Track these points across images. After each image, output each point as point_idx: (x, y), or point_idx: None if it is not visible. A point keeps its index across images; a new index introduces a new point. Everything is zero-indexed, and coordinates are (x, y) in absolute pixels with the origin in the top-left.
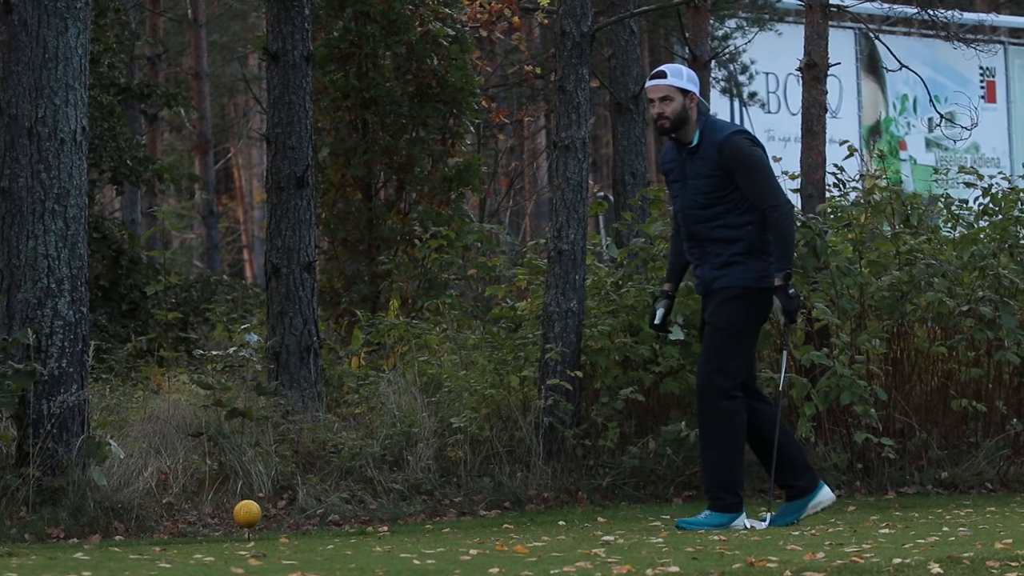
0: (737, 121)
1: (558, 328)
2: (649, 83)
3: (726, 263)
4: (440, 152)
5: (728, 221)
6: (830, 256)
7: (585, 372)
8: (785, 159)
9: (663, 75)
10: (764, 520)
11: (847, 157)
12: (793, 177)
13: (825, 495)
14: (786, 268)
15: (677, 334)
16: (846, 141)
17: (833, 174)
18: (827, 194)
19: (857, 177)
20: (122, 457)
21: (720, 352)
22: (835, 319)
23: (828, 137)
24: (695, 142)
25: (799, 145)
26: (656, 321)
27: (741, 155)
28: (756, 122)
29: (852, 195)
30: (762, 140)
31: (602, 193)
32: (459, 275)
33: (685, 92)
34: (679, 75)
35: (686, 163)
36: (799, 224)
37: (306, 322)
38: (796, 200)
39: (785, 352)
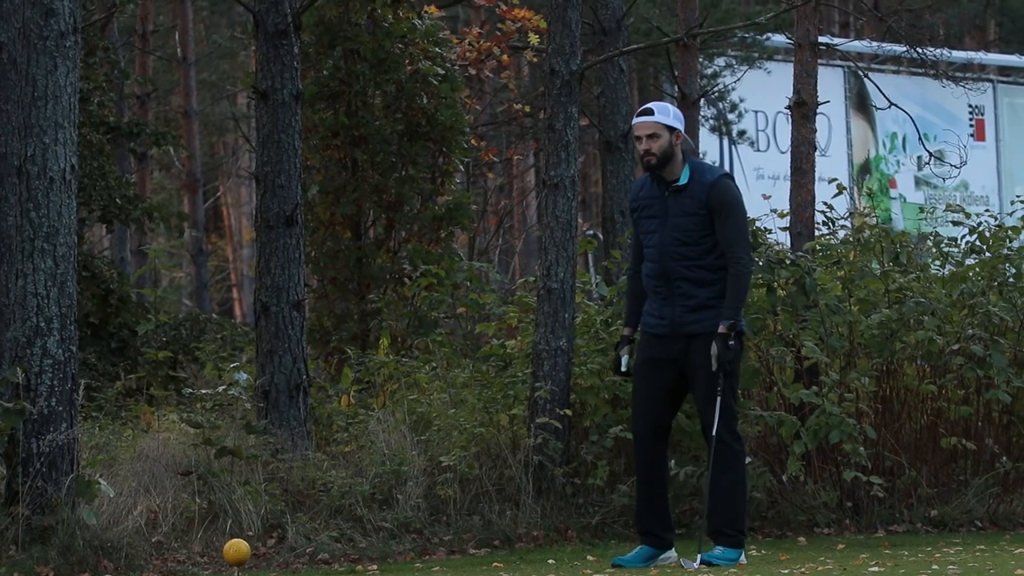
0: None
1: (547, 366)
2: (636, 119)
3: (700, 306)
4: (430, 190)
5: (706, 263)
6: (819, 294)
7: (574, 410)
8: (774, 197)
9: (650, 112)
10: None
11: (836, 195)
12: (782, 215)
13: (673, 555)
14: (733, 318)
15: (624, 365)
16: (835, 179)
17: (822, 212)
18: (816, 232)
19: (846, 215)
20: (112, 496)
21: (726, 394)
22: (824, 357)
23: (817, 175)
24: (683, 180)
25: (788, 183)
26: (623, 368)
27: (729, 199)
28: (745, 160)
29: (841, 233)
30: (751, 179)
31: (591, 231)
32: (449, 313)
33: (672, 129)
34: (666, 112)
35: (668, 200)
36: (788, 262)
37: (295, 360)
38: (785, 238)
39: (719, 399)
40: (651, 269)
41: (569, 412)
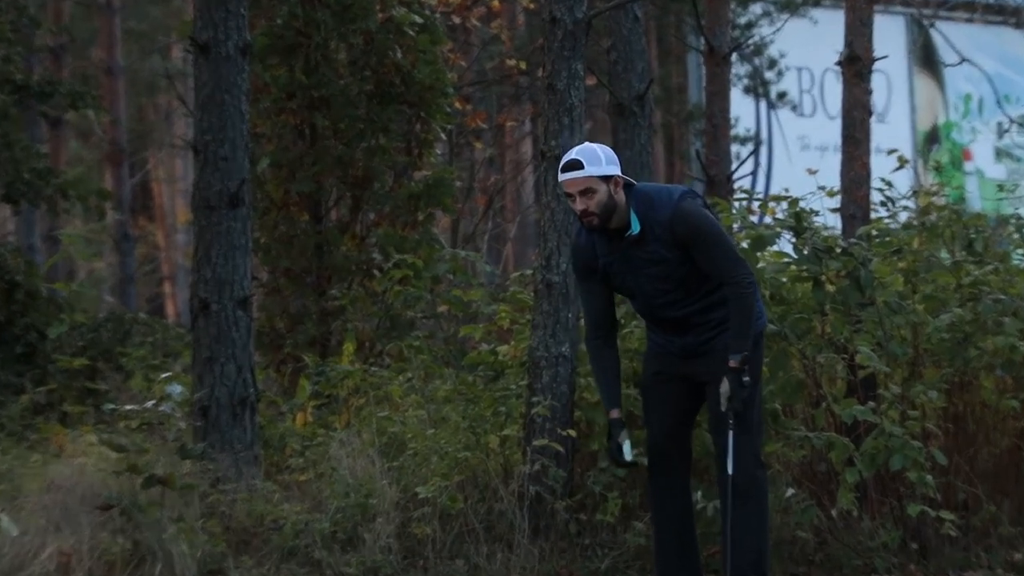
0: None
1: (547, 377)
2: (563, 176)
3: (718, 323)
4: (404, 164)
5: (703, 292)
6: (876, 290)
7: (580, 431)
8: (822, 172)
9: (578, 165)
10: None
11: (897, 169)
12: (832, 194)
13: None
14: (744, 349)
15: (628, 453)
16: (895, 150)
17: (880, 190)
18: (872, 214)
19: (909, 194)
20: (15, 534)
21: (748, 414)
22: (883, 366)
23: (874, 145)
24: (635, 228)
25: (838, 155)
26: (628, 458)
27: (695, 223)
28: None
29: (903, 215)
30: (794, 149)
31: None
32: (427, 313)
33: (607, 178)
34: (596, 160)
35: (630, 253)
36: (839, 251)
37: (241, 370)
38: (835, 222)
39: (731, 433)
40: (651, 320)
41: (573, 433)
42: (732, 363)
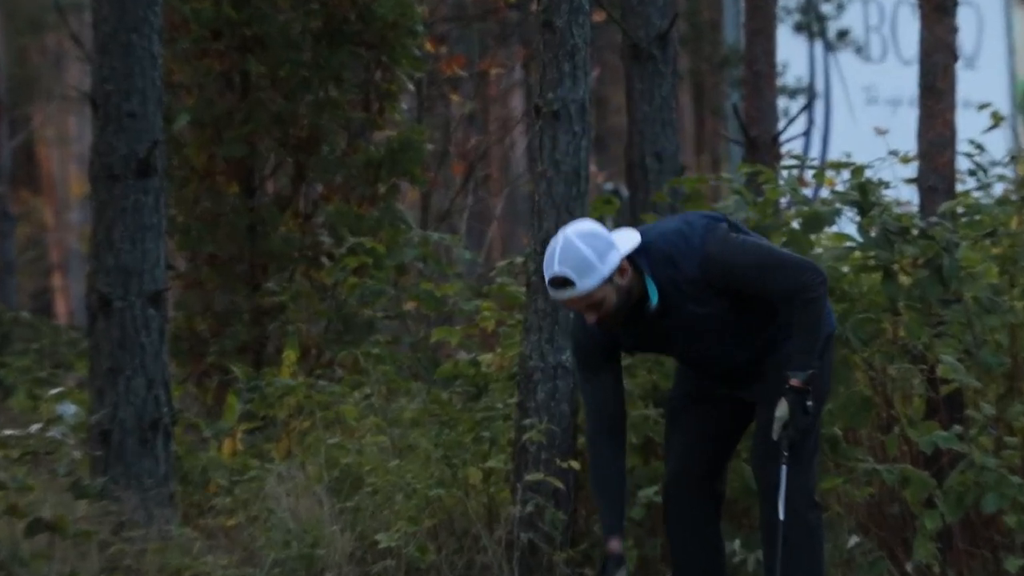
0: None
1: (543, 394)
2: (557, 295)
3: (773, 339)
4: (361, 122)
5: (767, 325)
6: (964, 283)
7: (584, 462)
8: (894, 131)
9: (569, 283)
10: None
11: (990, 128)
12: (906, 160)
13: None
14: (810, 365)
15: None
16: (988, 104)
17: (969, 155)
18: (959, 186)
19: (1006, 160)
20: None
21: (803, 441)
22: (972, 380)
23: (961, 99)
24: (654, 297)
25: (914, 111)
26: None
27: (735, 264)
28: (849, 75)
29: (998, 188)
30: (858, 103)
31: (611, 185)
32: (390, 312)
33: (609, 279)
34: (588, 267)
35: (656, 325)
36: (915, 233)
37: (151, 385)
38: (912, 195)
39: (784, 467)
40: (699, 378)
41: (576, 464)
42: (794, 382)
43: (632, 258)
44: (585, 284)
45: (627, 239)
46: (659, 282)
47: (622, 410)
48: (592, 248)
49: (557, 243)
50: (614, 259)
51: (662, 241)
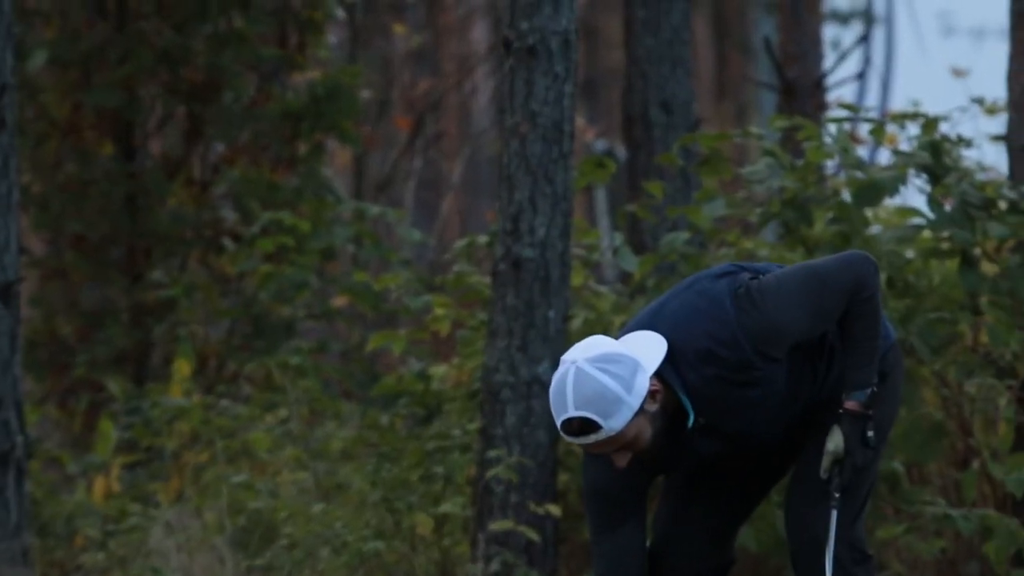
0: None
1: (513, 418)
2: (579, 441)
3: (832, 374)
4: (275, 61)
5: (830, 363)
6: None
7: (567, 506)
8: (976, 73)
9: (593, 428)
10: None
11: None
12: (993, 111)
13: None
14: (870, 382)
15: None
16: None
17: None
18: None
19: None
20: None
21: (856, 484)
22: None
23: None
24: (693, 410)
25: (1005, 45)
26: None
27: (775, 319)
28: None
29: None
30: (931, 35)
31: (603, 144)
32: (314, 310)
33: (639, 409)
34: (616, 403)
35: (700, 444)
36: (1006, 206)
37: (0, 404)
38: (1001, 156)
39: (834, 512)
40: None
41: (556, 509)
42: (851, 404)
43: (659, 370)
44: (613, 424)
45: (648, 348)
46: (697, 388)
47: (644, 572)
48: (613, 376)
49: (567, 376)
50: (643, 384)
51: (688, 335)
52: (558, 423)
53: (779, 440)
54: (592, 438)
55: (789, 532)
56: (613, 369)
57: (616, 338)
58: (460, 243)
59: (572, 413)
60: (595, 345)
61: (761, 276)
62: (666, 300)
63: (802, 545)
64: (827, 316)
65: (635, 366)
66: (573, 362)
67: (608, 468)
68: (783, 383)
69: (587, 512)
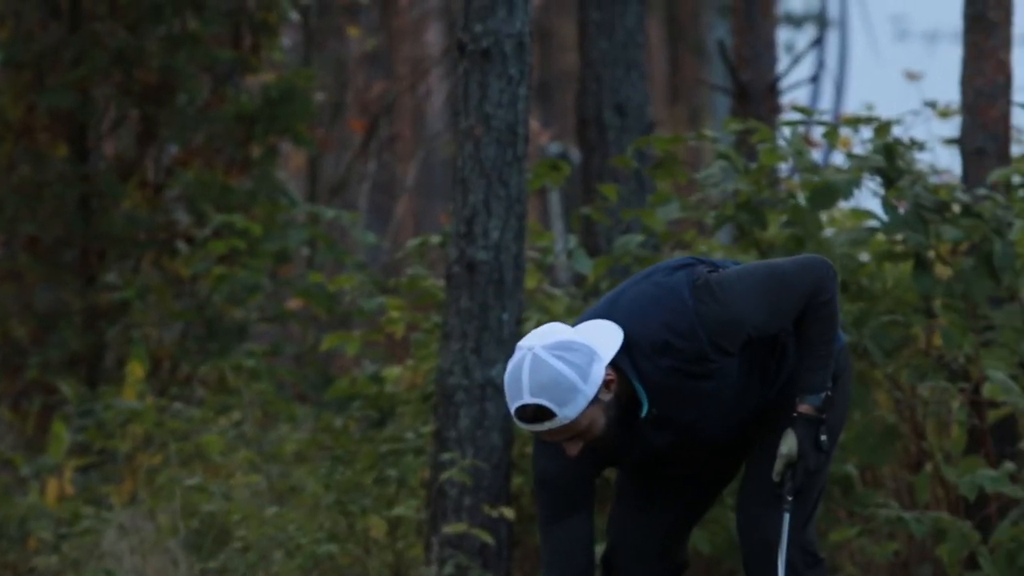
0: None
1: (467, 420)
2: (530, 428)
3: (783, 374)
4: (230, 63)
5: (783, 361)
6: (1020, 275)
7: (520, 509)
8: (930, 76)
9: (546, 414)
10: None
11: None
12: (947, 114)
13: None
14: (824, 386)
15: None
16: None
17: None
18: (1015, 148)
19: None
20: None
21: (808, 487)
22: None
23: (1019, 33)
24: (646, 400)
25: (958, 49)
26: None
27: (732, 312)
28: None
29: None
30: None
31: (557, 146)
32: (268, 312)
33: (594, 399)
34: (572, 391)
35: (653, 436)
36: (959, 210)
37: None
38: (952, 160)
39: (787, 515)
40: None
41: (510, 513)
42: (804, 408)
43: (614, 359)
44: (568, 413)
45: (605, 337)
46: (652, 378)
47: (592, 563)
48: (569, 364)
49: (523, 363)
50: (598, 373)
51: (645, 325)
52: (512, 409)
53: (731, 437)
54: (546, 425)
55: (741, 535)
56: (569, 357)
57: (573, 326)
58: (413, 242)
59: (527, 400)
60: (552, 332)
61: (720, 269)
62: (623, 290)
63: (754, 548)
64: (783, 316)
65: (592, 355)
66: (530, 348)
67: (558, 457)
68: (736, 378)
69: (537, 501)
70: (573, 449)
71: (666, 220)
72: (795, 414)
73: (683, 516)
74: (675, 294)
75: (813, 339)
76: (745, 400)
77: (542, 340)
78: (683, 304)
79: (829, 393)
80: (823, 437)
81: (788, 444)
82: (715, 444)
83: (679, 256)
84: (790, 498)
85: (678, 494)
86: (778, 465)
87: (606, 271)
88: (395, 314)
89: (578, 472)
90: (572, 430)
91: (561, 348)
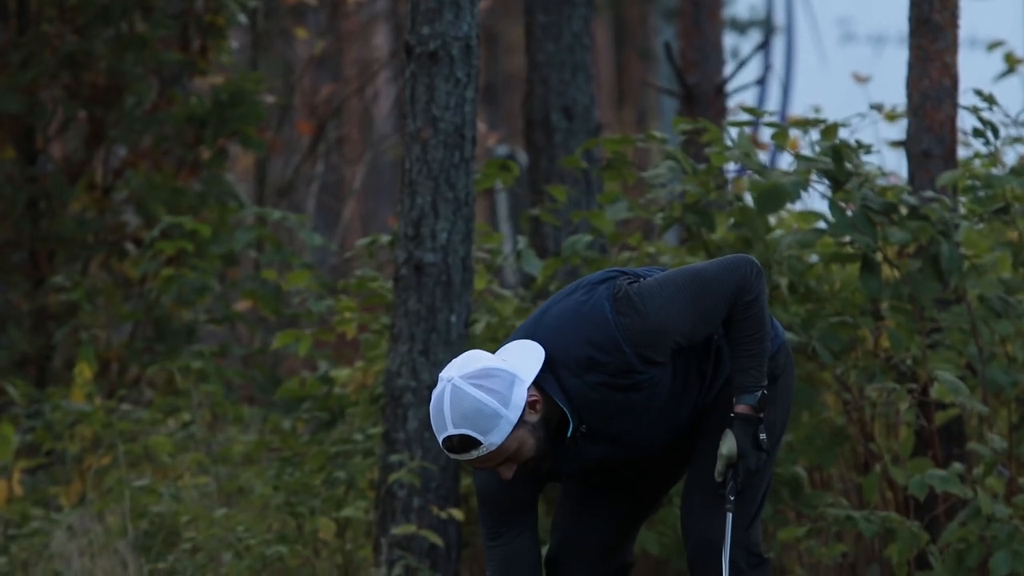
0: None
1: (415, 422)
2: (461, 458)
3: (720, 376)
4: (178, 66)
5: (718, 365)
6: (967, 277)
7: (469, 510)
8: (877, 79)
9: (475, 444)
10: None
11: (1004, 75)
12: (893, 117)
13: None
14: (760, 384)
15: None
16: (1001, 43)
17: (975, 110)
18: (961, 151)
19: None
20: None
21: (751, 487)
22: (979, 404)
23: (965, 36)
24: (574, 418)
25: (904, 52)
26: None
27: (654, 322)
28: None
29: (1011, 155)
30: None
31: (505, 148)
32: (216, 314)
33: (519, 420)
34: (494, 418)
35: (587, 448)
36: (905, 212)
37: None
38: (899, 163)
39: (729, 515)
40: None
41: (459, 514)
42: (741, 408)
43: (538, 379)
44: (493, 439)
45: (526, 358)
46: (578, 395)
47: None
48: (489, 391)
49: (444, 394)
50: (520, 396)
51: (568, 342)
52: (439, 440)
53: (671, 441)
54: (473, 454)
55: (685, 536)
56: (488, 384)
57: (504, 344)
58: (362, 242)
59: (451, 431)
60: (471, 361)
61: (642, 279)
62: (547, 308)
63: (698, 549)
64: (710, 319)
65: (512, 379)
66: (449, 380)
67: (496, 477)
68: (668, 386)
69: (479, 517)
70: (507, 473)
71: (614, 221)
72: (732, 414)
73: (628, 517)
74: (597, 309)
75: (743, 339)
76: (682, 406)
77: (461, 370)
78: (604, 318)
79: (765, 391)
80: (762, 436)
81: (728, 444)
82: (655, 450)
83: (626, 257)
84: (732, 498)
85: (622, 496)
86: (719, 465)
87: (555, 272)
88: (346, 314)
89: (516, 492)
90: (501, 455)
91: (480, 376)
